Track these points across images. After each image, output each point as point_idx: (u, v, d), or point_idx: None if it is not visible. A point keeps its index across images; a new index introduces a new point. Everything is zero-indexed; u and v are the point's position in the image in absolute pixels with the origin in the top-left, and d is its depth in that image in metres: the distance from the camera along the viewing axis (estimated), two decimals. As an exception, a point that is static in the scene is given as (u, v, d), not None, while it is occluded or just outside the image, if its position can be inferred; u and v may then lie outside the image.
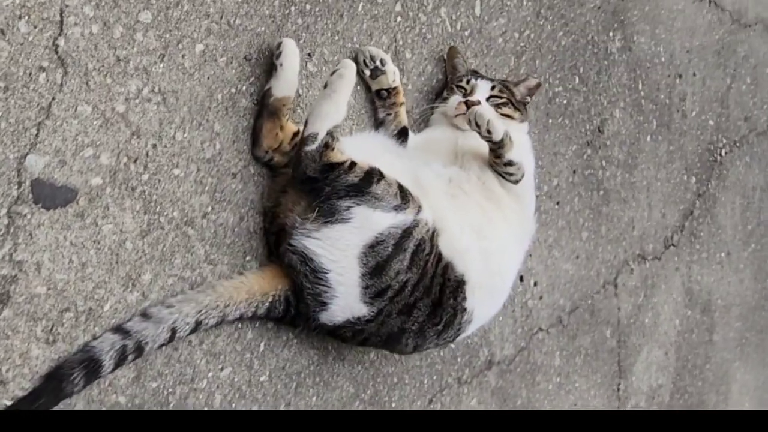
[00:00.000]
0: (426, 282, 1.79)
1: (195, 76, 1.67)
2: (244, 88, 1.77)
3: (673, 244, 3.67)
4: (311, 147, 1.64)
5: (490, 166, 1.99)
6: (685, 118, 3.69)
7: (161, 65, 1.61)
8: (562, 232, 2.90)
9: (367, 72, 2.00)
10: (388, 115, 2.05)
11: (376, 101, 2.06)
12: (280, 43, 1.74)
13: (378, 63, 1.98)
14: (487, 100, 2.10)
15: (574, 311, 3.00)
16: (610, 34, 3.08)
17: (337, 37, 1.97)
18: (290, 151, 1.76)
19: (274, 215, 1.75)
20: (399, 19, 2.14)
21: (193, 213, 1.69)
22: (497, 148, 1.89)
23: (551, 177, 2.82)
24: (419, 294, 1.78)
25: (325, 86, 1.66)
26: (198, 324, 1.63)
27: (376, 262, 1.69)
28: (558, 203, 2.87)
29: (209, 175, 1.71)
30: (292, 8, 1.85)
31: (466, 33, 2.36)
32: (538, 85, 2.28)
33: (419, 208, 1.75)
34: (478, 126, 1.84)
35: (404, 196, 1.72)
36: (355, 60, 1.96)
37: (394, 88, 2.04)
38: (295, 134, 1.76)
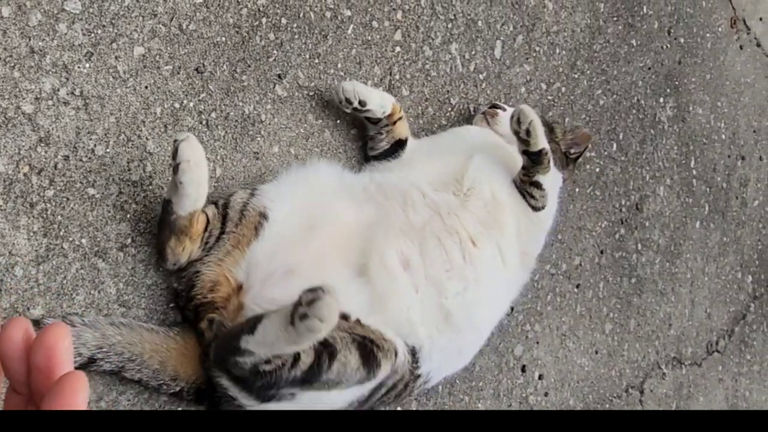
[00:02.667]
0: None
1: (129, 83, 1.50)
2: (191, 104, 1.59)
3: (717, 351, 3.35)
4: (243, 359, 1.34)
5: (515, 184, 1.79)
6: (744, 207, 3.41)
7: (87, 65, 1.45)
8: (580, 321, 2.64)
9: (348, 110, 1.79)
10: (380, 133, 1.85)
11: (365, 122, 1.86)
12: (176, 148, 1.38)
13: (357, 105, 1.75)
14: None
15: (586, 415, 2.70)
16: (661, 99, 2.86)
17: (317, 61, 1.80)
18: (204, 248, 1.52)
19: (188, 298, 1.54)
20: (398, 49, 1.96)
21: (107, 243, 1.50)
22: (531, 163, 1.73)
23: (572, 255, 2.57)
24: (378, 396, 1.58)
25: (292, 319, 1.27)
26: (91, 361, 1.42)
27: None
28: (578, 286, 2.61)
29: (134, 200, 1.53)
30: (264, 20, 1.69)
31: (481, 76, 2.16)
32: (588, 139, 2.05)
33: (395, 355, 1.50)
34: (519, 124, 1.69)
35: (371, 362, 1.43)
36: (332, 99, 1.79)
37: (389, 115, 1.82)
38: (206, 227, 1.52)
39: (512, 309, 2.38)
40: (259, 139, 1.71)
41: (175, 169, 1.39)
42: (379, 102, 1.78)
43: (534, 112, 1.71)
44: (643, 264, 2.88)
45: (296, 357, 1.34)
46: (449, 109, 2.09)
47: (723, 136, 3.23)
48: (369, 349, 1.44)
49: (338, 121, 1.85)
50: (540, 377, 2.52)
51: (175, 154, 1.38)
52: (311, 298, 1.21)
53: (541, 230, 1.86)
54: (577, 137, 2.01)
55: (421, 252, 1.64)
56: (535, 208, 1.80)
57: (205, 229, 1.51)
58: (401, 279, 1.60)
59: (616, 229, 2.75)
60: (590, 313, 2.68)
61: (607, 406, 2.79)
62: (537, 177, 1.74)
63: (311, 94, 1.80)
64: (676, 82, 2.91)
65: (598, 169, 2.63)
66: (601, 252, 2.69)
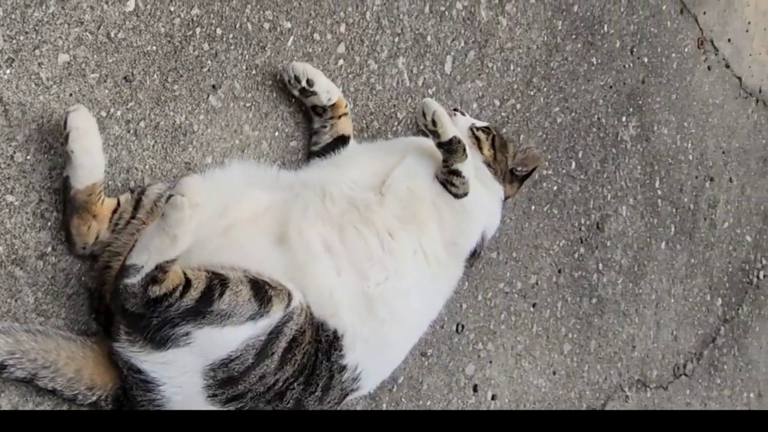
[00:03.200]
0: (303, 361, 1.57)
1: (53, 90, 1.51)
2: (119, 112, 1.60)
3: (685, 374, 3.34)
4: (132, 280, 1.39)
5: (437, 178, 1.82)
6: (713, 229, 3.41)
7: (8, 71, 1.45)
8: (536, 340, 2.63)
9: (296, 92, 1.86)
10: (324, 126, 1.91)
11: (311, 113, 1.91)
12: (65, 120, 1.43)
13: (304, 83, 1.82)
14: (470, 129, 2.00)
15: (542, 437, 2.69)
16: (623, 118, 2.87)
17: (254, 72, 1.81)
18: (114, 230, 1.55)
19: (101, 295, 1.54)
20: (341, 62, 1.97)
21: (25, 251, 1.50)
22: (446, 154, 1.78)
23: (528, 273, 2.57)
24: (292, 378, 1.57)
25: (162, 215, 1.40)
26: (2, 367, 1.41)
27: (229, 376, 1.47)
28: (534, 305, 2.61)
29: (55, 208, 1.53)
30: (197, 30, 1.70)
31: (431, 91, 2.17)
32: (537, 160, 2.07)
33: (289, 298, 1.53)
34: (424, 116, 1.76)
35: (262, 296, 1.48)
36: (281, 78, 1.83)
37: (332, 104, 1.88)
38: (115, 209, 1.55)
39: (463, 327, 2.37)
40: (190, 149, 1.71)
41: (66, 138, 1.43)
42: (326, 86, 1.85)
43: (437, 104, 1.77)
44: (605, 284, 2.88)
45: (187, 282, 1.41)
46: (396, 123, 2.10)
47: (690, 157, 3.24)
48: (261, 286, 1.49)
49: (276, 133, 1.86)
50: (493, 397, 2.51)
51: (65, 124, 1.43)
52: (176, 182, 1.36)
53: (469, 219, 1.85)
54: (527, 157, 2.02)
55: (340, 238, 1.69)
56: (457, 196, 1.81)
57: (115, 211, 1.54)
58: (322, 257, 1.65)
59: (575, 248, 2.75)
60: (548, 333, 2.68)
61: (566, 428, 2.76)
62: (455, 165, 1.77)
63: (248, 105, 1.80)
64: (640, 102, 2.92)
65: (555, 187, 2.64)
66: (559, 271, 2.69)
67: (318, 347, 1.61)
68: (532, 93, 2.48)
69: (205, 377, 1.47)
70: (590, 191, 2.78)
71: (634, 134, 2.93)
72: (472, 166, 1.84)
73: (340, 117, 1.91)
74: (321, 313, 1.62)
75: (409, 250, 1.76)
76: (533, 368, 2.64)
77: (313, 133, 1.93)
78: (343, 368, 1.66)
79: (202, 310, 1.42)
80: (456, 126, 1.93)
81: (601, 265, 2.86)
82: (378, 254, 1.71)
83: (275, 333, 1.50)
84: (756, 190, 3.68)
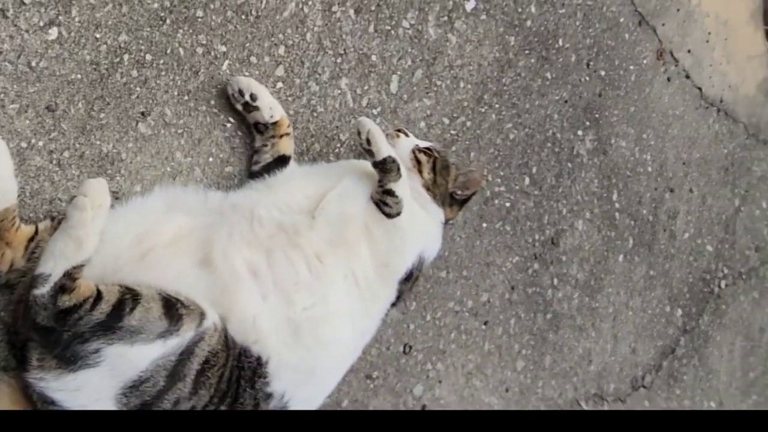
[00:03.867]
0: (222, 386, 1.57)
1: (-32, 122, 1.47)
2: (40, 143, 1.57)
3: (643, 386, 3.36)
4: (41, 290, 1.39)
5: (372, 199, 1.81)
6: (673, 240, 3.42)
7: None
8: (488, 358, 2.63)
9: (239, 107, 1.85)
10: (265, 145, 1.90)
11: (253, 130, 1.90)
12: None
13: (248, 98, 1.82)
14: (412, 152, 1.96)
15: (495, 455, 2.69)
16: (579, 132, 2.86)
17: (186, 98, 1.78)
18: (30, 259, 1.51)
19: (16, 330, 1.52)
20: (280, 84, 1.94)
21: (-59, 288, 1.47)
22: (381, 173, 1.77)
23: (480, 291, 2.57)
24: (213, 406, 1.57)
25: (65, 217, 1.42)
26: None
27: (142, 402, 1.45)
28: (486, 323, 2.60)
29: (-28, 242, 1.49)
30: (125, 56, 1.67)
31: (375, 111, 2.16)
32: (477, 184, 2.06)
33: (201, 317, 1.52)
34: (359, 135, 1.78)
35: (173, 314, 1.48)
36: (224, 92, 1.84)
37: (275, 123, 1.87)
38: (32, 237, 1.52)
39: (410, 348, 2.37)
40: (118, 178, 1.68)
41: None
42: (269, 102, 1.85)
43: (372, 122, 1.78)
44: (560, 299, 2.88)
45: (98, 295, 1.41)
46: (338, 145, 2.08)
47: (649, 169, 3.24)
48: (173, 304, 1.48)
49: (210, 159, 1.84)
50: (443, 417, 2.50)
51: None
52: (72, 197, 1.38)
53: (402, 239, 1.83)
54: (468, 180, 2.01)
55: (268, 262, 1.67)
56: (390, 216, 1.80)
57: (31, 239, 1.51)
58: (247, 282, 1.63)
59: (529, 264, 2.74)
60: (500, 351, 2.67)
61: (519, 444, 2.77)
62: (389, 185, 1.76)
63: (179, 131, 1.78)
64: (596, 115, 2.92)
65: (508, 204, 2.63)
66: (512, 288, 2.68)
67: (241, 374, 1.60)
68: (483, 110, 2.47)
69: (118, 403, 1.44)
70: (545, 207, 2.77)
71: (590, 148, 2.93)
72: (408, 187, 1.84)
73: (281, 136, 1.89)
74: (244, 339, 1.61)
75: (339, 275, 1.75)
76: (485, 386, 2.64)
77: (254, 152, 1.91)
78: (269, 396, 1.65)
79: (113, 325, 1.41)
80: (398, 148, 1.92)
81: (556, 280, 2.86)
82: (305, 279, 1.69)
83: (186, 353, 1.48)
84: (717, 199, 3.69)
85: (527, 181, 2.69)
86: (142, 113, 1.71)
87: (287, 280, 1.68)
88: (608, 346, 3.14)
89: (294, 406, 1.70)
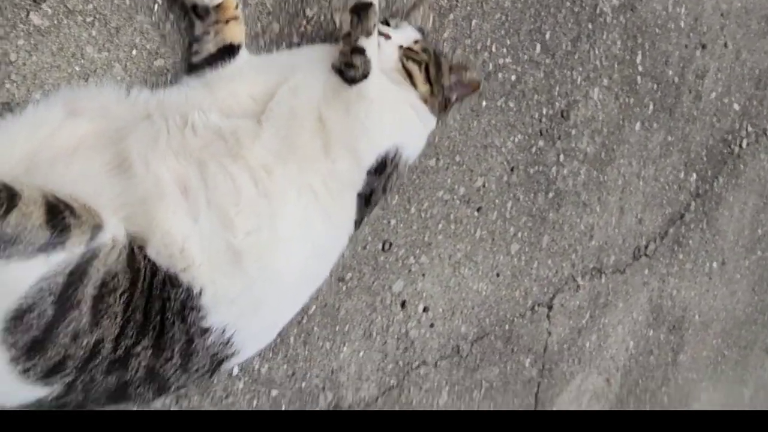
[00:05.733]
0: (137, 318, 1.25)
1: None
2: None
3: (646, 254, 3.06)
4: None
5: (334, 68, 1.44)
6: (698, 101, 2.96)
7: None
8: (479, 245, 2.30)
9: None
10: (206, 33, 1.46)
11: (192, 15, 1.46)
12: None
13: None
14: (400, 60, 1.56)
15: (480, 339, 2.45)
16: (605, -13, 2.33)
17: None
18: None
19: None
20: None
21: None
22: (357, 19, 1.42)
23: (474, 176, 2.18)
24: (130, 340, 1.25)
25: None
26: None
27: (33, 339, 1.13)
28: (479, 209, 2.25)
29: None
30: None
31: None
32: (476, 87, 1.68)
33: (95, 229, 1.17)
34: None
35: (57, 222, 1.14)
36: None
37: (217, 5, 1.42)
38: None
39: (390, 245, 2.04)
40: (8, 85, 1.27)
41: None
42: None
43: None
44: (564, 176, 2.50)
45: None
46: (303, 22, 1.62)
47: (682, 24, 2.72)
48: (59, 210, 1.15)
49: (133, 52, 1.40)
50: (425, 309, 2.23)
51: None
52: None
53: (368, 111, 1.43)
54: (464, 80, 1.59)
55: (201, 176, 1.32)
56: (354, 80, 1.42)
57: None
58: (174, 198, 1.29)
59: (533, 142, 2.33)
60: (493, 236, 2.34)
61: (507, 327, 2.53)
62: (360, 42, 1.41)
63: (89, 19, 1.33)
64: (628, -36, 2.37)
65: (514, 77, 2.17)
66: (512, 169, 2.30)
67: (166, 305, 1.28)
68: (490, -33, 1.95)
69: (4, 344, 1.14)
70: (556, 77, 2.31)
71: (616, 4, 2.40)
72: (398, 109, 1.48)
73: (227, 21, 1.45)
74: (169, 264, 1.27)
75: (292, 190, 1.39)
76: (473, 274, 2.33)
77: (193, 41, 1.47)
78: (206, 331, 1.32)
79: None
80: (382, 54, 1.49)
81: (562, 156, 2.46)
82: (248, 197, 1.34)
83: (76, 274, 1.15)
84: (753, 53, 3.17)
85: (538, 48, 2.21)
86: (35, 0, 1.26)
87: (225, 198, 1.32)
88: (613, 219, 2.80)
89: (240, 341, 1.39)
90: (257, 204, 1.34)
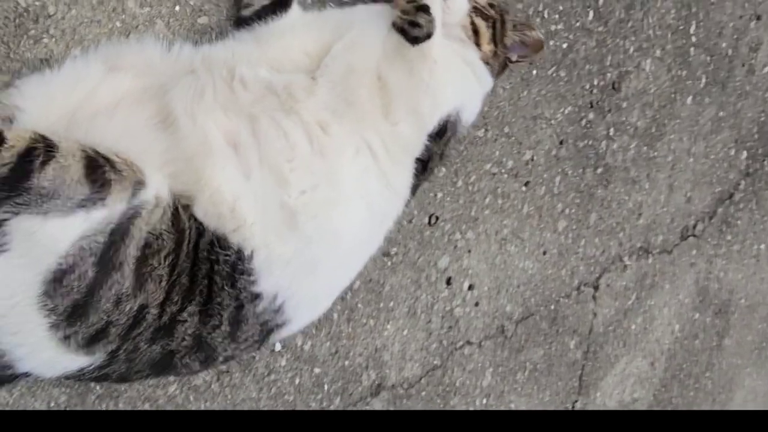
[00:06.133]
0: (183, 282, 1.17)
1: None
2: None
3: (694, 235, 2.93)
4: None
5: (394, 26, 1.34)
6: (751, 75, 2.82)
7: None
8: (526, 221, 2.20)
9: None
10: None
11: None
12: None
13: None
14: (469, 15, 1.46)
15: (525, 320, 2.36)
16: (662, -49, 2.21)
17: None
18: None
19: None
20: None
21: None
22: None
23: (522, 149, 2.08)
24: (176, 306, 1.18)
25: None
26: None
27: (73, 303, 1.06)
28: (527, 184, 2.15)
29: None
30: None
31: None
32: (539, 48, 1.55)
33: (137, 185, 1.09)
34: None
35: (97, 177, 1.06)
36: None
37: None
38: None
39: (437, 219, 1.94)
40: (46, 40, 1.19)
41: None
42: None
43: None
44: (614, 151, 2.39)
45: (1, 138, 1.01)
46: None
47: (738, -8, 2.58)
48: (99, 165, 1.07)
49: (177, 8, 1.32)
50: (470, 287, 2.14)
51: None
52: None
53: (432, 72, 1.34)
54: (526, 41, 1.50)
55: (253, 131, 1.24)
56: (417, 39, 1.32)
57: None
58: (223, 153, 1.22)
59: (583, 114, 2.22)
60: (540, 212, 2.24)
61: (552, 307, 2.43)
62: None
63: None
64: (685, -72, 2.24)
65: (565, 45, 2.06)
66: (561, 142, 2.19)
67: (214, 268, 1.20)
68: (544, -73, 1.84)
69: (43, 309, 1.06)
70: (608, 46, 2.19)
71: (672, -30, 2.28)
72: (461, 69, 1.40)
73: None
74: (218, 225, 1.20)
75: (349, 148, 1.30)
76: (520, 251, 2.24)
77: None
78: (257, 297, 1.24)
79: (18, 186, 1.00)
80: (451, 12, 1.40)
81: (612, 130, 2.34)
82: (303, 154, 1.26)
83: (118, 233, 1.07)
84: (809, 25, 3.02)
85: (591, 15, 2.10)
86: None
87: (279, 155, 1.24)
88: (662, 197, 2.68)
89: (291, 309, 1.31)
90: (312, 161, 1.26)
